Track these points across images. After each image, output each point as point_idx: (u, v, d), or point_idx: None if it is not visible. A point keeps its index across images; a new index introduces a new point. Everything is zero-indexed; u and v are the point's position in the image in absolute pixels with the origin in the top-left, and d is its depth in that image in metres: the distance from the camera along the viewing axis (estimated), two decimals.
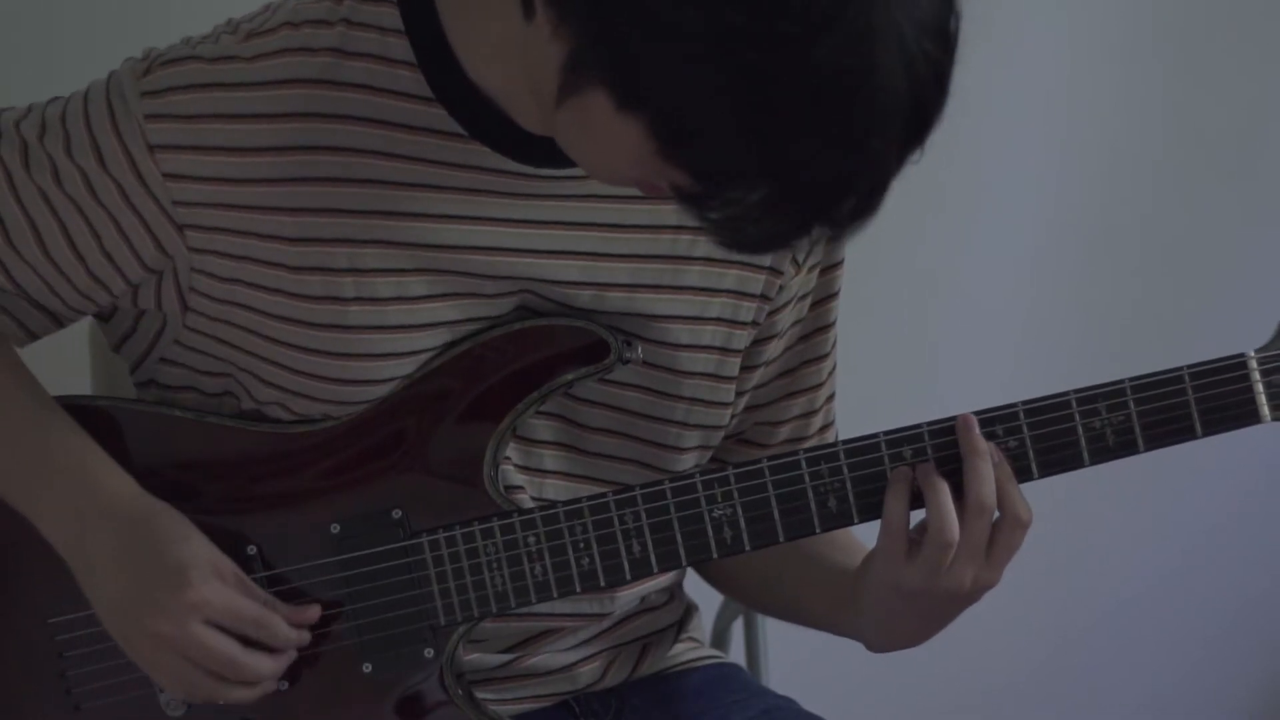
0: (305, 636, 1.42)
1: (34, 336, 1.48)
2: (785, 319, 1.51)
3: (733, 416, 1.53)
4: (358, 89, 1.37)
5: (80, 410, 1.47)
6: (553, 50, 1.23)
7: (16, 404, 1.44)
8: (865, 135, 1.17)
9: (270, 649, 1.41)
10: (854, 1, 1.14)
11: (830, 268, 1.53)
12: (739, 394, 1.52)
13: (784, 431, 1.57)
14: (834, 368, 1.58)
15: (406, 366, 1.42)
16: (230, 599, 1.39)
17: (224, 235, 1.38)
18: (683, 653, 1.63)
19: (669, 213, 1.42)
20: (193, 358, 1.45)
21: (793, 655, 1.98)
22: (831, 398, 1.59)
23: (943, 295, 2.61)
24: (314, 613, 1.42)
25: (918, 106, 1.18)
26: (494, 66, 1.35)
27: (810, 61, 1.14)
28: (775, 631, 1.91)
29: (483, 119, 1.38)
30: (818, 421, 1.58)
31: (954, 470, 1.38)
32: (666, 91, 1.18)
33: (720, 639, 1.92)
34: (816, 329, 1.55)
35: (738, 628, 1.92)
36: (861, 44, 1.14)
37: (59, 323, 1.48)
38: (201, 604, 1.37)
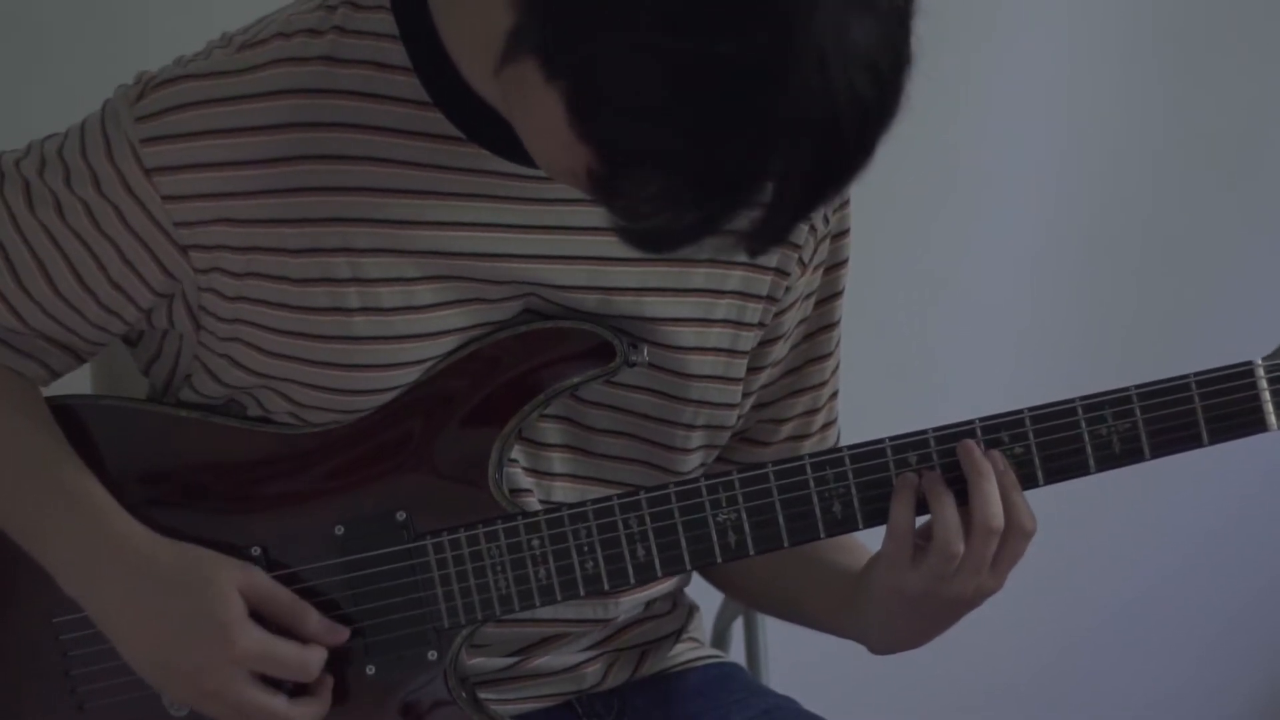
0: (324, 654, 1.42)
1: (56, 375, 1.48)
2: (791, 319, 1.51)
3: (739, 417, 1.53)
4: (352, 96, 1.37)
5: (82, 410, 1.47)
6: (504, 21, 1.22)
7: (30, 446, 1.44)
8: (763, 148, 1.15)
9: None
10: (789, 10, 1.12)
11: (835, 266, 1.53)
12: (746, 395, 1.52)
13: (787, 429, 1.57)
14: (837, 366, 1.58)
15: (414, 375, 1.41)
16: (270, 649, 1.39)
17: (228, 252, 1.38)
18: (683, 653, 1.63)
19: None
20: (208, 384, 1.45)
21: (793, 655, 1.98)
22: (835, 395, 1.59)
23: (944, 297, 2.61)
24: (344, 634, 1.42)
25: (831, 140, 1.15)
26: (486, 65, 1.34)
27: (723, 52, 1.13)
28: (775, 631, 1.91)
29: (480, 121, 1.37)
30: (820, 419, 1.58)
31: (959, 477, 1.38)
32: (582, 61, 1.17)
33: (720, 639, 1.92)
34: (821, 327, 1.55)
35: (738, 628, 1.92)
36: (779, 53, 1.13)
37: (79, 358, 1.48)
38: (244, 659, 1.38)
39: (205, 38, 1.43)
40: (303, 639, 1.41)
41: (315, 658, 1.40)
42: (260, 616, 1.40)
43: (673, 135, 1.16)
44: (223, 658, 1.37)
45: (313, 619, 1.41)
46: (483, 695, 1.48)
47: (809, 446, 1.57)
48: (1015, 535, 1.38)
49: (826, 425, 1.59)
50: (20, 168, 1.42)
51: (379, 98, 1.37)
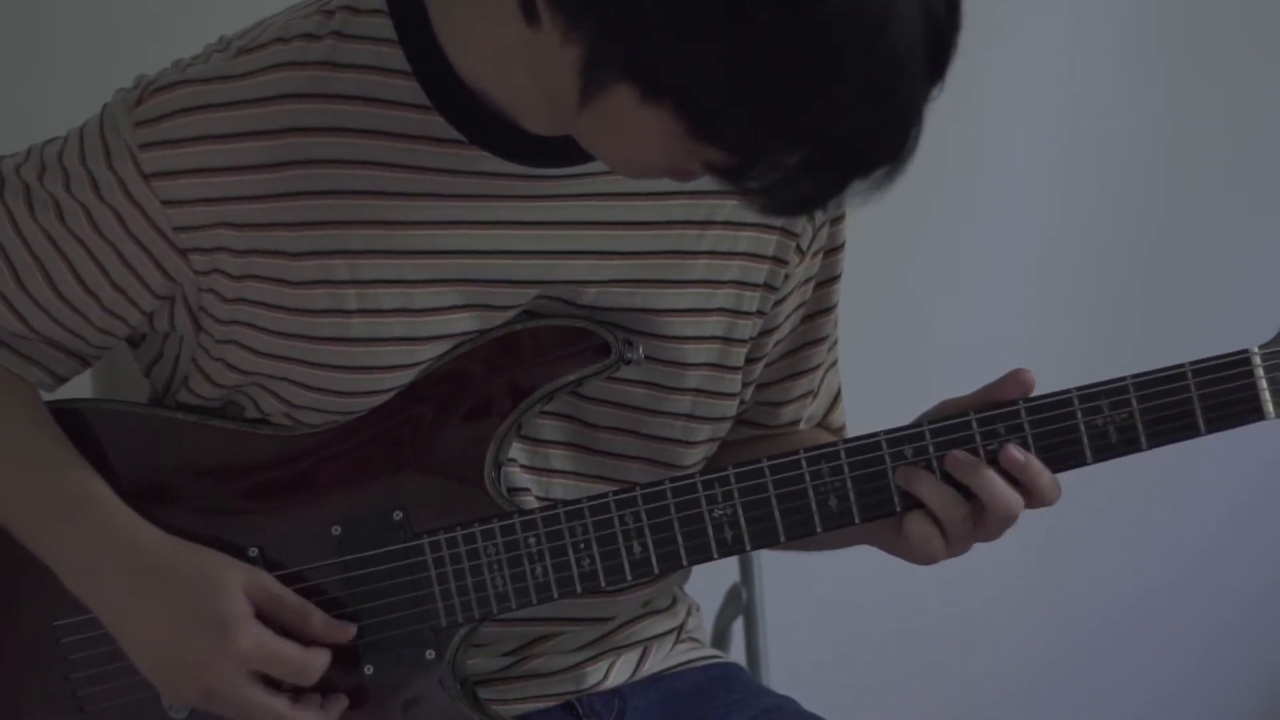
0: (327, 658, 1.42)
1: (61, 380, 1.48)
2: (789, 305, 1.52)
3: (741, 403, 1.53)
4: (351, 100, 1.37)
5: (82, 413, 1.47)
6: (567, 55, 1.23)
7: (31, 444, 1.44)
8: (891, 80, 1.17)
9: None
10: None
11: (833, 251, 1.53)
12: (746, 384, 1.52)
13: (787, 413, 1.58)
14: (834, 343, 1.59)
15: (409, 377, 1.42)
16: (271, 648, 1.39)
17: (227, 255, 1.38)
18: (683, 653, 1.63)
19: (675, 207, 1.43)
20: (203, 386, 1.45)
21: (793, 655, 1.98)
22: (835, 365, 1.60)
23: (942, 292, 2.61)
24: (350, 630, 1.42)
25: (936, 42, 1.18)
26: (493, 70, 1.35)
27: (824, 14, 1.14)
28: (775, 631, 1.91)
29: (481, 124, 1.37)
30: (822, 400, 1.60)
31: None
32: (687, 73, 1.18)
33: (720, 639, 1.93)
34: (819, 310, 1.55)
35: (738, 628, 1.92)
36: None
37: (84, 361, 1.48)
38: (243, 658, 1.38)
39: (206, 39, 1.43)
40: (308, 639, 1.41)
41: (317, 660, 1.40)
42: (265, 618, 1.40)
43: (800, 110, 1.17)
44: (223, 654, 1.37)
45: (317, 619, 1.41)
46: (483, 695, 1.48)
47: (807, 425, 1.59)
48: (1039, 504, 1.39)
49: (833, 398, 1.61)
50: (21, 173, 1.42)
51: (378, 102, 1.37)
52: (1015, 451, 1.38)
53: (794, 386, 1.57)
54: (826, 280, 1.54)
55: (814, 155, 1.20)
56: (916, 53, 1.17)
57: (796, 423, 1.58)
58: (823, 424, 1.61)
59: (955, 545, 1.40)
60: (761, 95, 1.17)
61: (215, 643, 1.37)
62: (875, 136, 1.20)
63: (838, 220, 1.52)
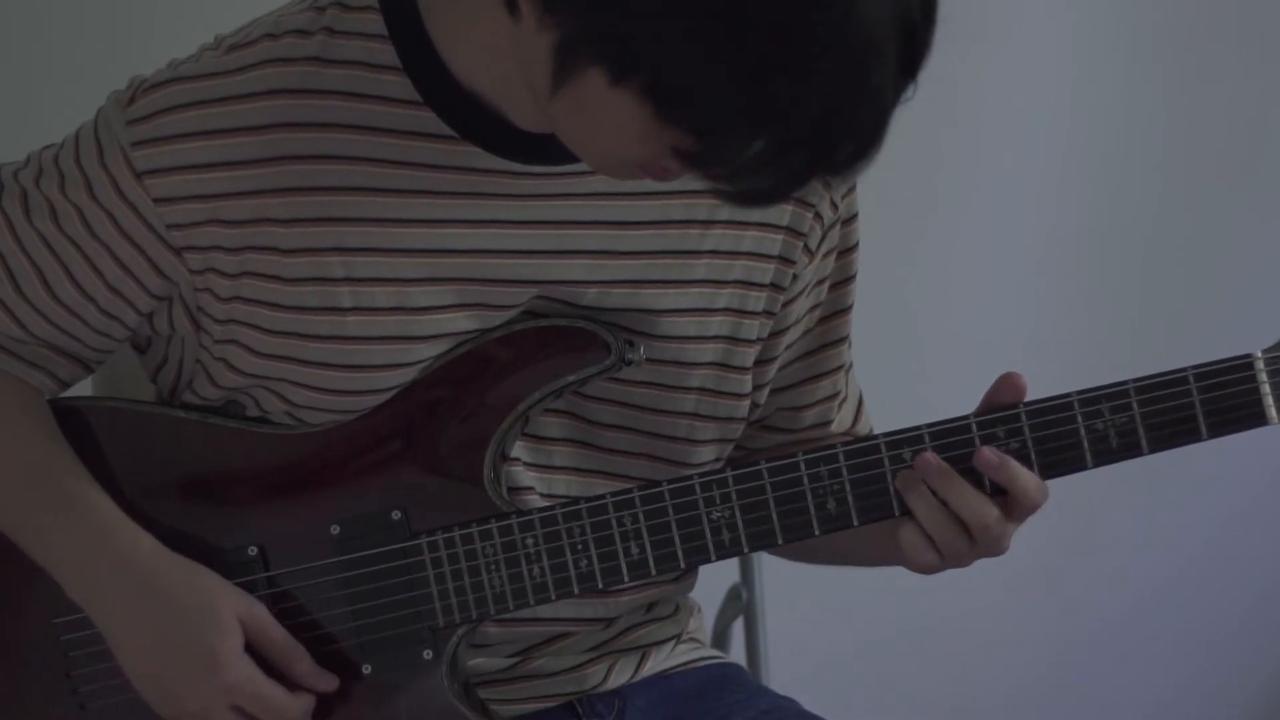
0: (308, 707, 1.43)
1: (64, 385, 1.48)
2: (801, 306, 1.51)
3: (755, 406, 1.52)
4: (341, 96, 1.37)
5: (81, 411, 1.48)
6: (542, 42, 1.23)
7: (35, 455, 1.44)
8: (856, 71, 1.17)
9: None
10: None
11: (847, 251, 1.52)
12: (759, 386, 1.52)
13: (810, 416, 1.57)
14: (850, 344, 1.58)
15: (409, 376, 1.41)
16: (257, 686, 1.40)
17: (221, 253, 1.38)
18: (683, 653, 1.63)
19: (676, 207, 1.43)
20: (206, 387, 1.45)
21: (793, 656, 1.98)
22: (850, 368, 1.60)
23: (942, 294, 2.61)
24: (332, 684, 1.43)
25: (907, 35, 1.18)
26: (484, 66, 1.35)
27: None
28: (775, 631, 1.91)
29: (473, 120, 1.37)
30: (849, 404, 1.59)
31: (968, 470, 1.37)
32: (655, 52, 1.18)
33: (720, 639, 1.93)
34: (835, 312, 1.55)
35: (738, 628, 1.92)
36: None
37: (86, 366, 1.48)
38: (229, 690, 1.39)
39: (203, 42, 1.43)
40: (290, 680, 1.42)
41: (297, 707, 1.41)
42: (254, 651, 1.41)
43: (765, 95, 1.17)
44: (209, 685, 1.39)
45: (303, 663, 1.42)
46: (483, 695, 1.48)
47: (838, 429, 1.58)
48: (1026, 510, 1.38)
49: (858, 406, 1.60)
50: (18, 178, 1.43)
51: (368, 98, 1.37)
52: (989, 453, 1.37)
53: (815, 389, 1.56)
54: (841, 281, 1.53)
55: (779, 139, 1.20)
56: (886, 37, 1.16)
57: (822, 425, 1.57)
58: (851, 432, 1.60)
59: (951, 560, 1.39)
60: (728, 73, 1.17)
61: (203, 673, 1.39)
62: (842, 122, 1.19)
63: (850, 221, 1.51)
